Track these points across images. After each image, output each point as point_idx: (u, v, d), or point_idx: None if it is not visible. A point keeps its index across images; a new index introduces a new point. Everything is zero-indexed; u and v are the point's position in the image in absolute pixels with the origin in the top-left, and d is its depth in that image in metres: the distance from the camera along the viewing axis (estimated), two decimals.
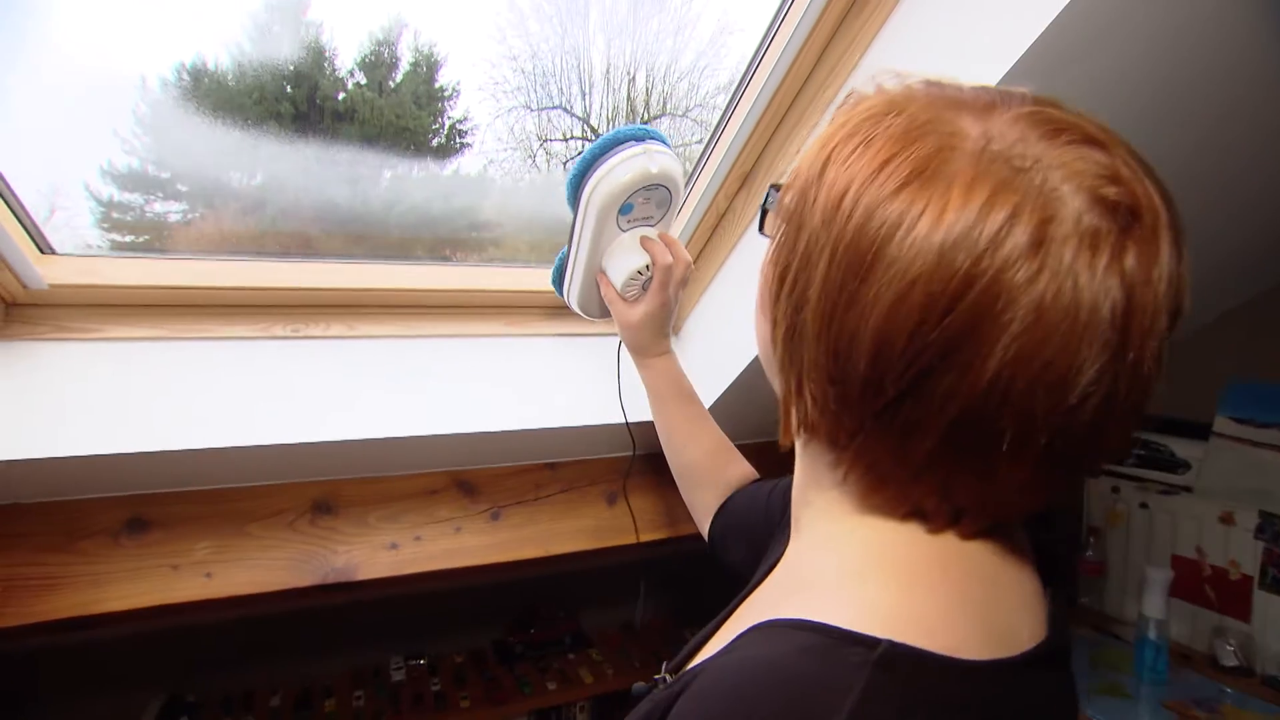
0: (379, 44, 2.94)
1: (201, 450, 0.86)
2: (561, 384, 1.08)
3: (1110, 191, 0.31)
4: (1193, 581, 1.34)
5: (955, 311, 0.30)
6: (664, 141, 0.73)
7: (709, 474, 0.81)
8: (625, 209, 0.75)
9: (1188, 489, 1.36)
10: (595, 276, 0.81)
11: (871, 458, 0.36)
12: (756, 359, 1.02)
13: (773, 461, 0.96)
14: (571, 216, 0.78)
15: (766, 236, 0.42)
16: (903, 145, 0.33)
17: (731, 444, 0.84)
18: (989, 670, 0.32)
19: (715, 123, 0.97)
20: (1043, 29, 0.62)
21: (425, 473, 1.05)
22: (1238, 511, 1.29)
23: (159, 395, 0.86)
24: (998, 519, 0.36)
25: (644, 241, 0.78)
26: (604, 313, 0.86)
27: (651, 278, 0.78)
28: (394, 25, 2.90)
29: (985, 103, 0.34)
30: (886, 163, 0.33)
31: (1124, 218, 0.31)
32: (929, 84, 0.37)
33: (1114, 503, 1.46)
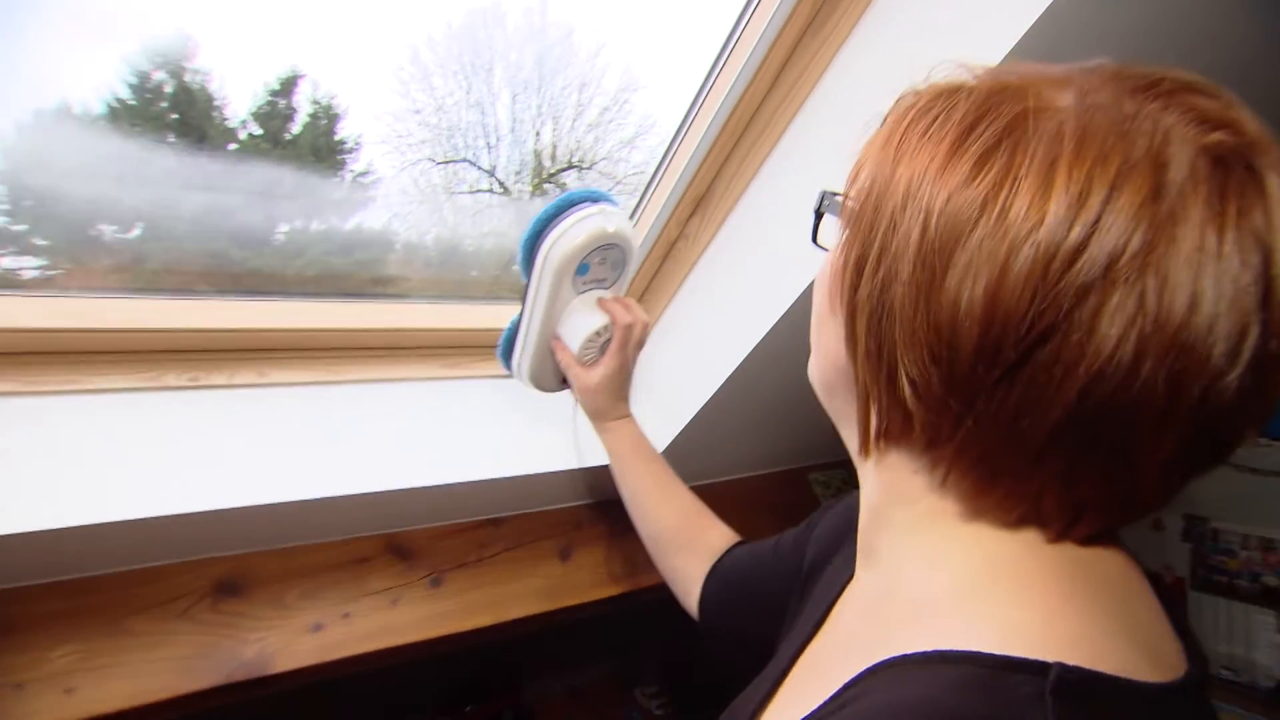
0: (274, 94, 2.80)
1: (67, 530, 0.70)
2: (503, 430, 0.99)
3: (1223, 137, 0.28)
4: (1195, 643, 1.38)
5: (1066, 280, 0.28)
6: (615, 204, 0.73)
7: (685, 537, 0.76)
8: (581, 269, 0.74)
9: None
10: (549, 343, 0.79)
11: (982, 447, 0.32)
12: (717, 394, 0.98)
13: (731, 500, 0.91)
14: (524, 281, 0.76)
15: (821, 247, 0.41)
16: (979, 118, 0.31)
17: (704, 505, 0.79)
18: (1163, 694, 0.29)
19: (665, 148, 0.94)
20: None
21: (353, 538, 0.91)
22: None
23: (14, 464, 0.70)
24: (1123, 518, 0.32)
25: (601, 303, 0.77)
26: (558, 385, 0.85)
27: (609, 340, 0.77)
28: (291, 76, 2.78)
29: (1063, 73, 0.32)
30: (961, 139, 0.31)
31: (1243, 162, 0.28)
32: (1000, 67, 0.35)
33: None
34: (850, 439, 0.40)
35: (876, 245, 0.33)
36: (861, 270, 0.34)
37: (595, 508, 1.12)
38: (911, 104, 0.35)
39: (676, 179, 0.91)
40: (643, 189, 0.97)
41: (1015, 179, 0.29)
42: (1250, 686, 1.27)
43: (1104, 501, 0.32)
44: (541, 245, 0.72)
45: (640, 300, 1.07)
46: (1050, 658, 0.27)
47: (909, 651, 0.31)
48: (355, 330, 0.92)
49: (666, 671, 1.66)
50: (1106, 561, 0.33)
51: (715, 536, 0.75)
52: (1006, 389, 0.30)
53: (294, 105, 2.92)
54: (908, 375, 0.32)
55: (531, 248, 0.73)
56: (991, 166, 0.30)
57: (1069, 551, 0.33)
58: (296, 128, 2.86)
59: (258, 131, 2.68)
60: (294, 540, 0.88)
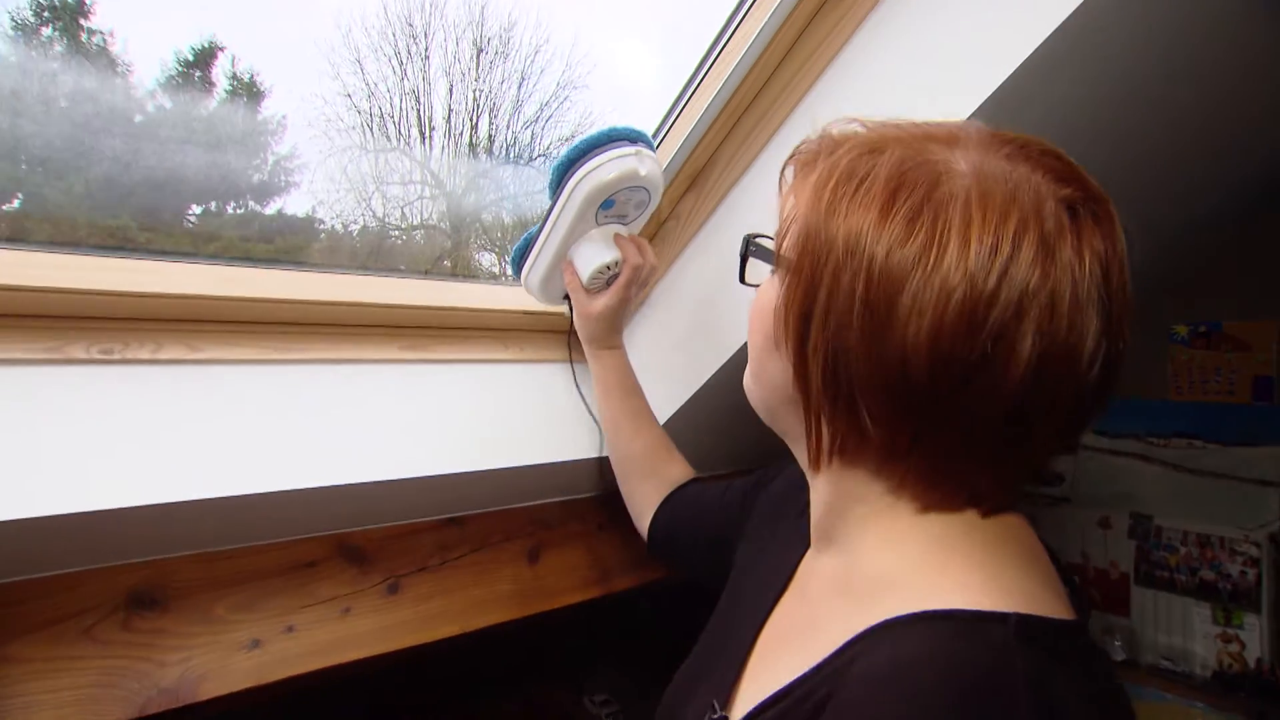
0: (188, 66, 2.56)
1: None
2: (467, 420, 0.89)
3: (1072, 191, 0.37)
4: (1081, 585, 1.42)
5: (992, 316, 0.35)
6: (653, 148, 0.77)
7: (651, 467, 0.84)
8: (606, 204, 0.77)
9: (1067, 500, 1.47)
10: (561, 262, 0.82)
11: (933, 455, 0.39)
12: (707, 384, 0.93)
13: None
14: (550, 201, 0.78)
15: (750, 285, 0.49)
16: (900, 184, 0.37)
17: (670, 442, 0.86)
18: (1080, 629, 0.37)
19: (659, 122, 0.88)
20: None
21: (298, 539, 0.79)
22: (1113, 516, 1.40)
23: None
24: (1024, 489, 0.42)
25: (617, 239, 0.80)
26: (556, 300, 0.88)
27: (616, 274, 0.81)
28: (208, 47, 2.54)
29: (947, 134, 0.40)
30: (890, 203, 0.37)
31: (1088, 210, 0.37)
32: (886, 123, 0.42)
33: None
34: (800, 454, 0.47)
35: (822, 294, 0.39)
36: (808, 317, 0.40)
37: (565, 505, 1.03)
38: (830, 165, 0.41)
39: (674, 152, 0.85)
40: None
41: (941, 237, 0.35)
42: (1188, 675, 1.32)
43: (1019, 479, 0.41)
44: (575, 172, 0.74)
45: None
46: (1004, 609, 0.35)
47: (892, 616, 0.37)
48: (305, 303, 0.80)
49: (617, 678, 1.57)
50: (1018, 527, 0.42)
51: (676, 470, 0.83)
52: (951, 408, 0.37)
53: (211, 79, 2.67)
54: (866, 407, 0.38)
55: (565, 172, 0.74)
56: (921, 226, 0.36)
57: (995, 523, 0.41)
58: (213, 103, 2.62)
59: (167, 104, 2.43)
60: (226, 543, 0.76)
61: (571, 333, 0.92)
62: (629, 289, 0.80)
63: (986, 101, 0.67)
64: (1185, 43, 0.76)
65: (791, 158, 0.46)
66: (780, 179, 0.47)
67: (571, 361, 0.97)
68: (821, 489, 0.46)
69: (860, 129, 0.43)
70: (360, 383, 0.85)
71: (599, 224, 0.79)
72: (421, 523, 0.89)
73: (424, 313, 0.90)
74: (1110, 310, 0.36)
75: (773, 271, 0.46)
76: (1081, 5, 0.61)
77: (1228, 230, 1.35)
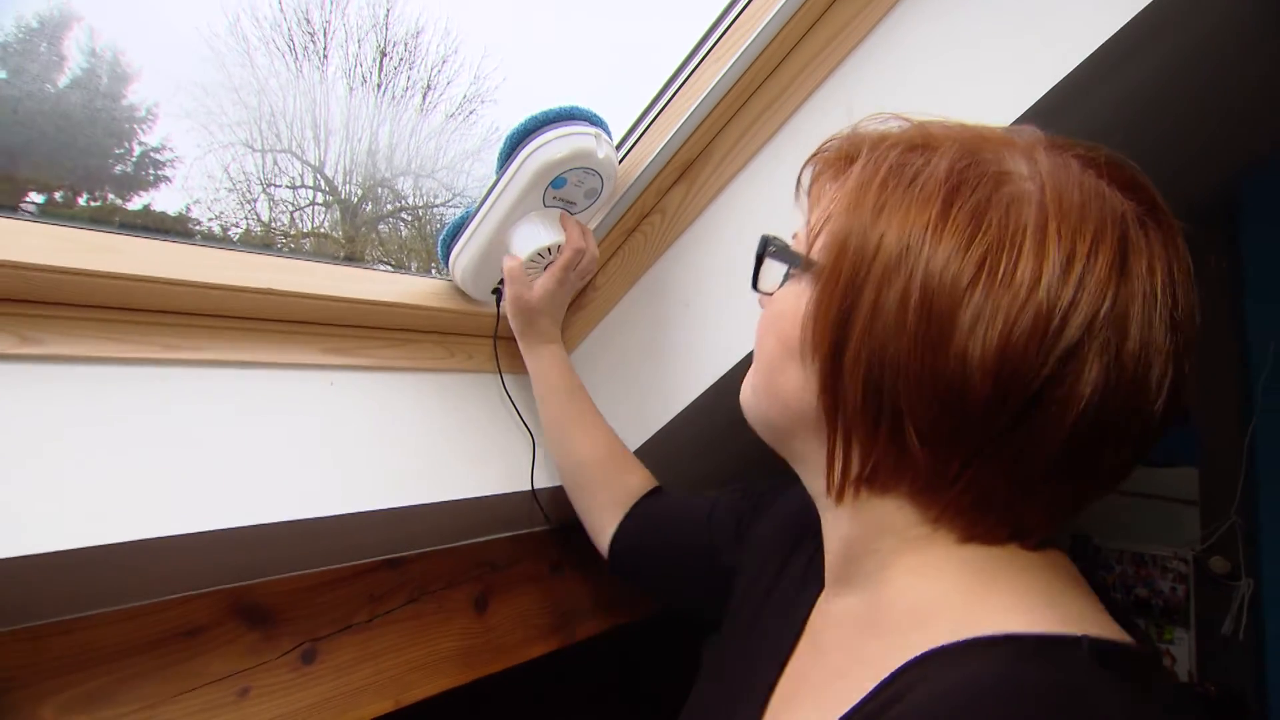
0: (31, 33, 2.19)
1: None
2: (399, 441, 0.72)
3: (1140, 205, 0.35)
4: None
5: (1066, 335, 0.32)
6: (611, 138, 0.74)
7: (604, 475, 0.75)
8: (557, 183, 0.71)
9: None
10: (496, 245, 0.75)
11: (982, 485, 0.35)
12: (693, 405, 0.82)
13: None
14: (495, 175, 0.72)
15: (762, 292, 0.43)
16: (955, 189, 0.34)
17: (624, 447, 0.77)
18: (1153, 659, 0.33)
19: (647, 105, 0.78)
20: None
21: (175, 600, 0.59)
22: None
23: None
24: (1072, 520, 0.40)
25: (563, 219, 0.74)
26: (484, 291, 0.80)
27: (551, 261, 0.74)
28: (59, 17, 2.20)
29: (1004, 135, 0.37)
30: (949, 204, 0.34)
31: (1154, 225, 0.34)
32: (931, 121, 0.39)
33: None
34: (814, 480, 0.41)
35: (866, 301, 0.35)
36: (846, 324, 0.36)
37: (515, 541, 0.88)
38: (872, 163, 0.37)
39: (667, 138, 0.74)
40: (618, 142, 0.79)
41: (1013, 243, 0.32)
42: None
43: (1070, 511, 0.36)
44: (527, 145, 0.69)
45: (591, 282, 0.88)
46: (1072, 632, 0.31)
47: (940, 644, 0.32)
48: (194, 286, 0.61)
49: None
50: (1062, 562, 0.38)
51: (634, 478, 0.74)
52: (1010, 433, 0.33)
53: (62, 52, 2.31)
54: (915, 425, 0.34)
55: (516, 144, 0.69)
56: (986, 230, 0.33)
57: (1040, 556, 0.37)
58: (64, 80, 2.26)
59: (1, 75, 2.06)
60: (65, 611, 0.55)
61: (497, 337, 0.82)
62: (567, 271, 0.73)
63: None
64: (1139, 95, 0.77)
65: (816, 156, 0.41)
66: (799, 180, 0.43)
67: (500, 372, 0.83)
68: (843, 522, 0.41)
69: (898, 126, 0.39)
70: (267, 392, 0.66)
71: (547, 205, 0.73)
72: (344, 569, 0.71)
73: (353, 308, 0.73)
74: (1178, 332, 0.34)
75: (789, 277, 0.41)
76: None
77: None
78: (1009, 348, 0.32)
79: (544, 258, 0.74)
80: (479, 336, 0.86)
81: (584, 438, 0.75)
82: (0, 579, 0.48)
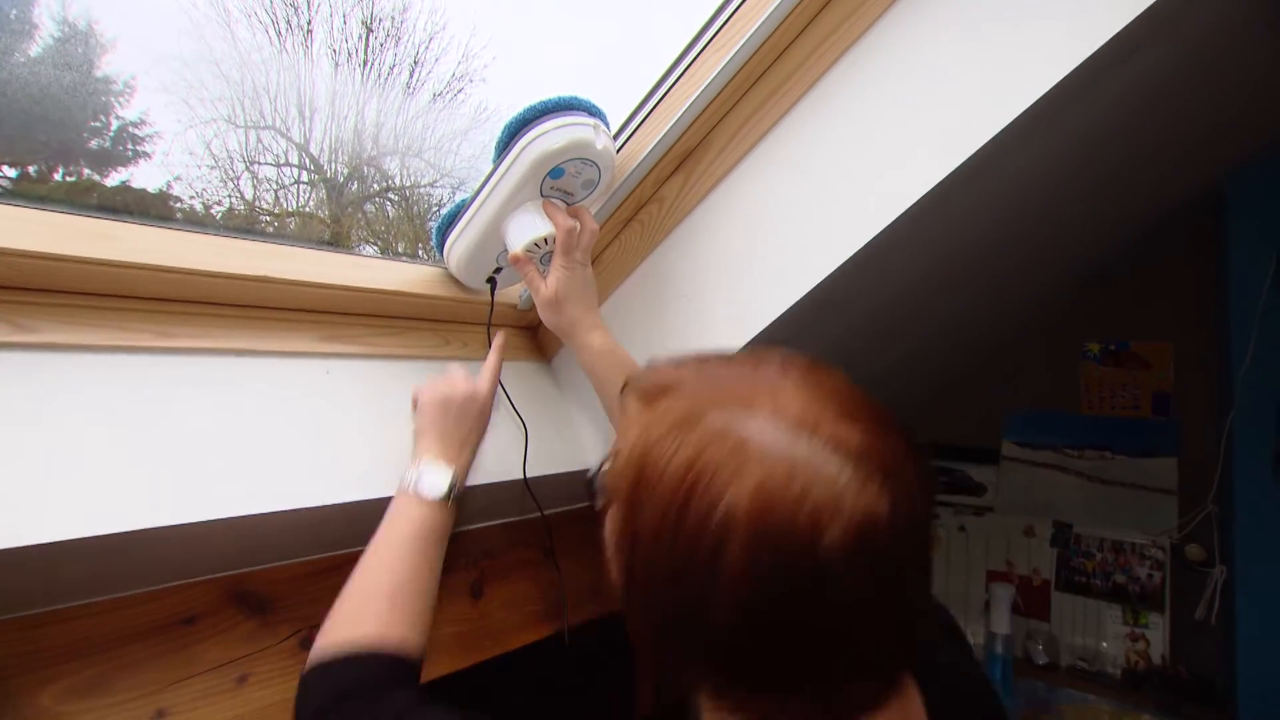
0: None
1: None
2: (393, 429, 0.72)
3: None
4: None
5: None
6: (609, 129, 0.74)
7: None
8: (555, 173, 0.71)
9: (990, 509, 1.50)
10: (494, 234, 0.75)
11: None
12: None
13: None
14: (493, 164, 0.72)
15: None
16: (691, 487, 0.37)
17: None
18: None
19: (646, 93, 0.77)
20: None
21: (172, 588, 0.59)
22: (1036, 524, 1.45)
23: None
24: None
25: (547, 207, 0.74)
26: (478, 280, 0.80)
27: (550, 252, 0.74)
28: None
29: (767, 387, 0.40)
30: (683, 510, 0.37)
31: (878, 472, 0.36)
32: (707, 370, 0.44)
33: (934, 530, 1.55)
34: None
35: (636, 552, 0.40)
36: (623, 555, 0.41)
37: (510, 528, 0.88)
38: (645, 431, 0.41)
39: (667, 127, 0.73)
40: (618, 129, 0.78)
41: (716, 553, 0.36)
42: (1100, 675, 1.38)
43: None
44: (525, 134, 0.69)
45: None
46: None
47: None
48: (190, 274, 0.61)
49: None
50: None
51: None
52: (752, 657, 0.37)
53: (33, 20, 2.23)
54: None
55: (514, 133, 0.69)
56: (698, 545, 0.36)
57: None
58: (35, 49, 2.18)
59: None
60: (59, 600, 0.55)
61: (491, 325, 0.82)
62: (569, 256, 0.73)
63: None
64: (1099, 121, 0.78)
65: (628, 383, 0.46)
66: (621, 394, 0.47)
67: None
68: None
69: (686, 375, 0.43)
70: (260, 380, 0.66)
71: (544, 195, 0.73)
72: (341, 556, 0.71)
73: (347, 295, 0.73)
74: (896, 562, 0.37)
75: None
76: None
77: (1135, 260, 1.44)
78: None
79: (540, 248, 0.74)
80: (475, 324, 0.86)
81: None
82: (34, 566, 0.48)
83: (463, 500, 0.71)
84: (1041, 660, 1.39)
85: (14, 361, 0.52)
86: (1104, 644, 1.39)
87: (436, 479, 0.66)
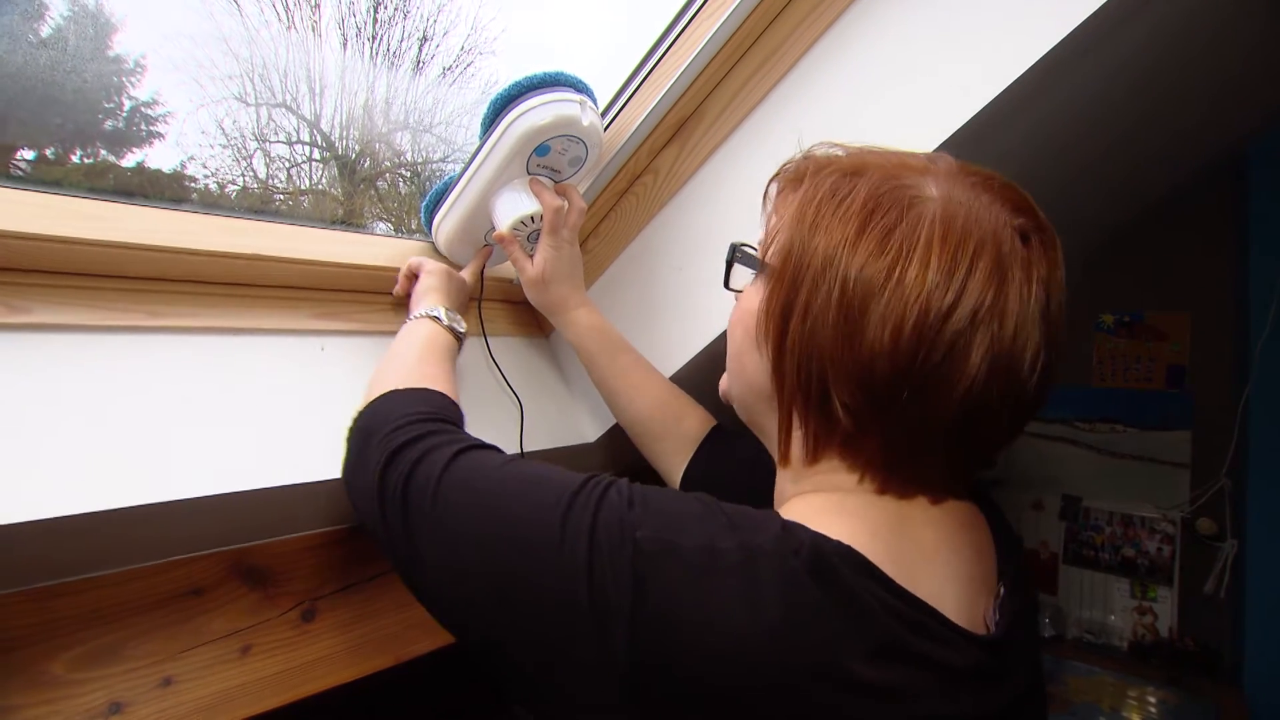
0: None
1: None
2: None
3: (1024, 221, 0.42)
4: (1019, 590, 1.46)
5: (947, 329, 0.39)
6: (597, 105, 0.74)
7: (663, 426, 0.77)
8: (541, 150, 0.71)
9: (1000, 482, 1.49)
10: (481, 212, 0.75)
11: (893, 445, 0.42)
12: (679, 372, 0.82)
13: None
14: (479, 141, 0.71)
15: (732, 290, 0.52)
16: (871, 211, 0.42)
17: (679, 390, 0.78)
18: (900, 590, 0.38)
19: (640, 59, 0.76)
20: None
21: (177, 561, 0.61)
22: (1045, 498, 1.44)
23: None
24: (967, 480, 0.47)
25: (534, 185, 0.73)
26: (468, 256, 0.81)
27: (537, 230, 0.74)
28: None
29: (921, 163, 0.44)
30: (865, 223, 0.41)
31: (1035, 238, 0.42)
32: (865, 149, 0.47)
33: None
34: (773, 446, 0.49)
35: (801, 299, 0.42)
36: (787, 318, 0.43)
37: None
38: (814, 185, 0.45)
39: (659, 97, 0.72)
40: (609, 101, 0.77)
41: (907, 255, 0.40)
42: (1107, 648, 1.38)
43: (967, 468, 0.45)
44: (510, 111, 0.68)
45: (584, 244, 0.87)
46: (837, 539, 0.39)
47: None
48: (181, 253, 0.61)
49: None
50: (955, 517, 0.45)
51: (691, 422, 0.76)
52: (912, 403, 0.40)
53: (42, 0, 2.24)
54: (840, 399, 0.42)
55: (500, 109, 0.69)
56: (890, 246, 0.40)
57: (938, 510, 0.44)
58: (46, 30, 2.19)
59: None
60: (69, 573, 0.57)
61: (482, 300, 0.83)
62: (556, 235, 0.74)
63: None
64: (1118, 84, 0.75)
65: (777, 175, 0.49)
66: (765, 194, 0.50)
67: (484, 334, 0.83)
68: (785, 481, 0.48)
69: (842, 153, 0.47)
70: (259, 357, 0.67)
71: (530, 173, 0.73)
72: (343, 530, 0.73)
73: (344, 272, 0.73)
74: (1049, 327, 0.41)
75: (755, 277, 0.49)
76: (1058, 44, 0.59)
77: (1151, 229, 1.40)
78: (901, 338, 0.39)
79: (527, 226, 0.73)
80: (469, 300, 0.86)
81: (636, 394, 0.77)
82: (7, 543, 0.50)
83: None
84: (1048, 633, 1.39)
85: (9, 342, 0.53)
86: (1111, 617, 1.39)
87: (429, 304, 0.70)
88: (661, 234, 0.82)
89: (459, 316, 0.72)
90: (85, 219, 0.56)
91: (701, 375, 0.79)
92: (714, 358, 0.81)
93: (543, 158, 0.71)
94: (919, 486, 0.44)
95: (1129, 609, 1.37)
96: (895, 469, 0.43)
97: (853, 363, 0.40)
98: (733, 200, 0.77)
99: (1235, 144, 1.27)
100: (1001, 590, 0.46)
